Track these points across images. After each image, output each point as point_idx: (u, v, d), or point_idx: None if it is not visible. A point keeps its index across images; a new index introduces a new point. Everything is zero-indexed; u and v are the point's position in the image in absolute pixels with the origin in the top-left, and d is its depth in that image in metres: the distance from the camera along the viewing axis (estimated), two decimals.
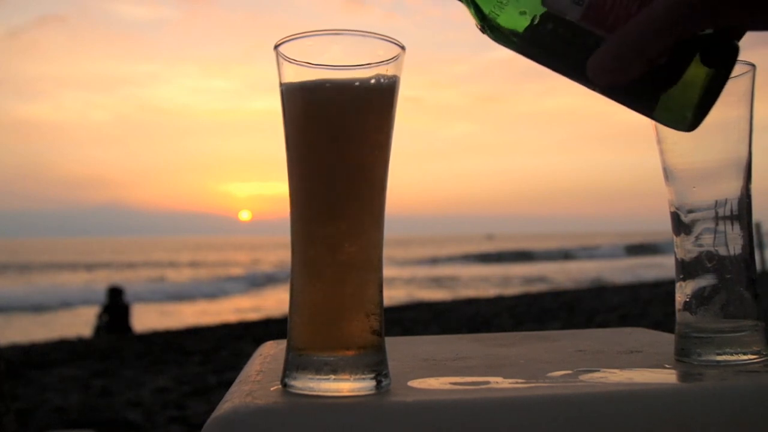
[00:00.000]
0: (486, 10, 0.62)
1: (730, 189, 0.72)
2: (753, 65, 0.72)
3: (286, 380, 0.64)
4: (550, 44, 0.60)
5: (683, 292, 0.74)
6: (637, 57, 0.53)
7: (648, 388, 0.63)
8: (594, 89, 0.61)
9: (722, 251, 0.72)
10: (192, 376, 5.77)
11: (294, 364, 0.63)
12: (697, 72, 0.58)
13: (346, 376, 0.62)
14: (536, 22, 0.59)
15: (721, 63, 0.58)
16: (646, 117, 0.61)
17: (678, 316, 0.75)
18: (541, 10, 0.59)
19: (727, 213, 0.72)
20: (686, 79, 0.58)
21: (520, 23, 0.60)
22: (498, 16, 0.61)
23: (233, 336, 8.21)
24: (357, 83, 0.63)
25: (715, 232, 0.72)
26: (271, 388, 0.64)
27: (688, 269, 0.73)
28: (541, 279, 22.98)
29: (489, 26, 0.63)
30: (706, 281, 0.72)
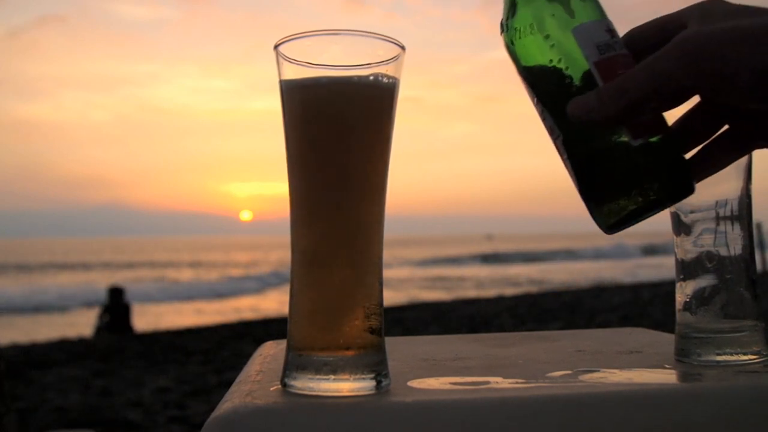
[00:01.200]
0: (519, 24, 0.63)
1: (731, 189, 0.72)
2: None
3: (286, 380, 0.64)
4: (551, 76, 0.61)
5: (683, 292, 0.74)
6: (616, 98, 0.55)
7: (648, 389, 0.63)
8: (558, 146, 0.62)
9: (722, 251, 0.72)
10: (192, 376, 5.77)
11: (294, 364, 0.63)
12: (639, 195, 0.59)
13: (346, 376, 0.62)
14: (552, 59, 0.61)
15: (670, 198, 0.60)
16: (579, 197, 0.63)
17: (678, 317, 0.75)
18: (568, 43, 0.60)
19: (728, 213, 0.72)
20: (631, 197, 0.60)
21: (539, 54, 0.62)
22: (521, 38, 0.63)
23: (233, 336, 8.21)
24: (357, 83, 0.63)
25: (716, 232, 0.72)
26: (271, 388, 0.64)
27: (688, 269, 0.73)
28: (542, 279, 22.97)
29: (509, 34, 0.64)
30: (706, 281, 0.72)
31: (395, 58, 0.64)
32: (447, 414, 0.58)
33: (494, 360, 0.78)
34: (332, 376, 0.61)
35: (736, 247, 0.72)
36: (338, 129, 0.63)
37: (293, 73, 0.63)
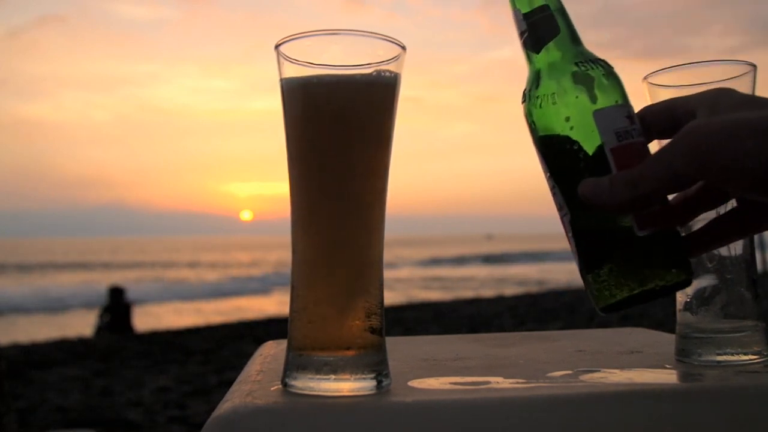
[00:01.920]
0: (541, 94, 0.64)
1: None
2: (754, 65, 0.72)
3: (287, 380, 0.64)
4: (567, 153, 0.62)
5: (684, 292, 0.74)
6: (627, 188, 0.58)
7: (648, 389, 0.63)
8: (564, 224, 0.64)
9: (723, 251, 0.71)
10: (192, 376, 5.77)
11: (294, 364, 0.63)
12: (637, 284, 0.61)
13: (347, 376, 0.62)
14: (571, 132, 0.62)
15: (667, 290, 0.62)
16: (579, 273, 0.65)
17: (678, 317, 0.75)
18: (588, 125, 0.61)
19: None
20: (629, 285, 0.61)
21: (557, 127, 0.63)
22: (541, 107, 0.64)
23: (234, 336, 8.21)
24: (358, 82, 0.63)
25: None
26: (272, 388, 0.64)
27: None
28: (542, 279, 22.96)
29: (530, 103, 0.65)
30: (706, 281, 0.72)
31: (396, 58, 0.64)
32: (447, 414, 0.58)
33: (494, 360, 0.78)
34: (333, 376, 0.61)
35: (736, 247, 0.72)
36: (339, 128, 0.63)
37: (294, 73, 0.63)
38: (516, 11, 0.65)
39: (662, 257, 0.61)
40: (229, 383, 0.71)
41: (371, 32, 0.63)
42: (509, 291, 16.29)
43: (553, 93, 0.63)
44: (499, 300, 12.48)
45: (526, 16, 0.65)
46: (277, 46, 0.64)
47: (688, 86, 0.72)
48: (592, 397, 0.61)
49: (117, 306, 9.85)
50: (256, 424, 0.57)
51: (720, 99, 0.59)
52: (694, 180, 0.57)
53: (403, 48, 0.64)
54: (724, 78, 0.71)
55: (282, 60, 0.64)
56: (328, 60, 0.62)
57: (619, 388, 0.64)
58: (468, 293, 16.27)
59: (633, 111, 0.63)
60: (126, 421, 4.42)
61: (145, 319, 12.16)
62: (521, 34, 0.66)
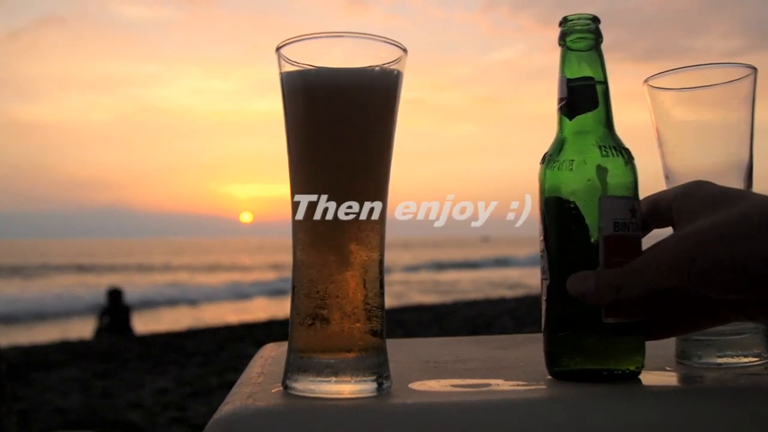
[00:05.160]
0: (556, 157, 0.66)
1: None
2: (754, 68, 0.72)
3: (287, 382, 0.64)
4: (563, 224, 0.64)
5: None
6: (611, 292, 0.62)
7: (648, 391, 0.63)
8: (542, 287, 0.67)
9: None
10: (193, 378, 5.77)
11: (295, 366, 0.63)
12: (590, 365, 0.64)
13: (348, 378, 0.62)
14: (572, 206, 0.64)
15: (614, 378, 0.65)
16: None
17: None
18: (591, 207, 0.64)
19: None
20: (582, 362, 0.64)
21: (563, 190, 0.65)
22: (556, 170, 0.66)
23: (234, 338, 8.21)
24: (359, 85, 0.63)
25: None
26: (272, 390, 0.64)
27: None
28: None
29: (546, 164, 0.67)
30: None
31: (397, 60, 0.64)
32: (448, 416, 0.58)
33: (495, 362, 0.78)
34: (333, 378, 0.62)
35: None
36: (340, 130, 0.63)
37: (295, 75, 0.63)
38: (561, 76, 0.67)
39: (621, 345, 0.64)
40: (230, 385, 0.71)
41: (372, 34, 0.63)
42: (510, 293, 16.29)
43: (571, 165, 0.65)
44: (500, 302, 12.48)
45: (570, 82, 0.66)
46: (278, 49, 0.64)
47: (689, 89, 0.72)
48: (593, 399, 0.61)
49: (116, 308, 9.85)
50: (256, 426, 0.57)
51: (694, 195, 0.63)
52: (670, 289, 0.60)
53: (404, 50, 0.64)
54: (725, 81, 0.71)
55: (283, 62, 0.64)
56: (330, 62, 0.62)
57: (620, 390, 0.64)
58: (468, 295, 16.26)
59: (638, 205, 0.65)
60: (126, 423, 4.42)
61: (145, 321, 12.15)
62: (560, 99, 0.67)
